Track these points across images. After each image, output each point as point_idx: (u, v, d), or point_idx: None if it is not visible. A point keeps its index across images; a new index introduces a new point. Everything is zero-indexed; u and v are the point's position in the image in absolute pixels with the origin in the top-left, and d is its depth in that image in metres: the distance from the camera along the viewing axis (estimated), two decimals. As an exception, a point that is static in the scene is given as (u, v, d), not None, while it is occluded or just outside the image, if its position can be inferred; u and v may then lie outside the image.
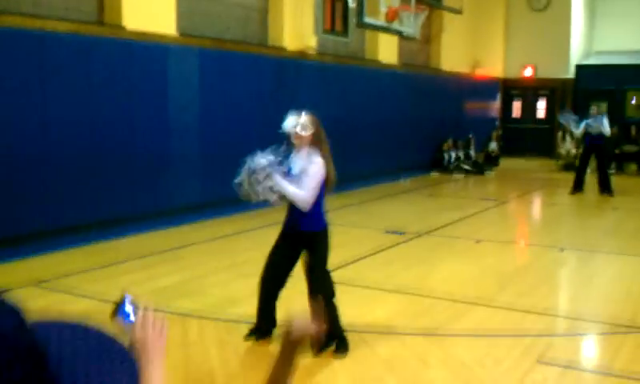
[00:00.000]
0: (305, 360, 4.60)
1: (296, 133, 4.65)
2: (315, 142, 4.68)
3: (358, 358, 4.71)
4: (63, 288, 6.23)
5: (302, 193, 4.57)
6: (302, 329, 1.65)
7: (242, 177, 4.56)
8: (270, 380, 1.60)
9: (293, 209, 4.73)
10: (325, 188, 4.73)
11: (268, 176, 4.49)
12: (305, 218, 4.68)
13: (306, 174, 4.59)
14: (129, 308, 1.54)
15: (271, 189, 4.52)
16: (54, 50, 7.95)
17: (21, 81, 7.57)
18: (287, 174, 4.64)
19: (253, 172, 4.50)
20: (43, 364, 0.86)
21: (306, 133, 4.65)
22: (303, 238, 4.74)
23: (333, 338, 4.76)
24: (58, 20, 8.15)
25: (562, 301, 6.67)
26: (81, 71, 8.26)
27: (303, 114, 4.71)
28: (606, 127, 12.85)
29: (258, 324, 4.96)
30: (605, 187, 13.08)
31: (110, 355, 1.00)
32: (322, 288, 4.70)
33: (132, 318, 1.52)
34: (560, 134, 18.64)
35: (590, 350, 5.30)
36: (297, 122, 4.67)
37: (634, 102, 19.46)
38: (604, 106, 13.60)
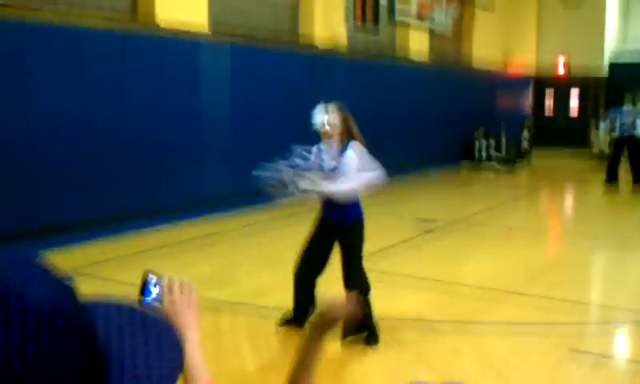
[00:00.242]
0: (336, 351, 4.61)
1: (324, 128, 4.64)
2: (346, 134, 4.66)
3: (390, 346, 4.70)
4: (98, 276, 6.34)
5: (346, 185, 4.55)
6: (333, 311, 1.64)
7: (276, 174, 4.55)
8: (297, 361, 1.58)
9: (325, 200, 4.74)
10: None
11: (305, 178, 4.50)
12: (338, 209, 4.66)
13: (344, 162, 4.56)
14: (153, 286, 1.51)
15: (305, 190, 4.52)
16: (89, 45, 8.08)
17: (57, 75, 7.71)
18: (320, 170, 4.65)
19: (292, 173, 4.51)
20: (93, 340, 0.89)
21: (333, 127, 4.62)
22: (336, 229, 4.74)
23: (364, 329, 4.77)
24: (92, 15, 8.29)
25: (595, 291, 6.58)
26: (115, 66, 8.38)
27: (330, 106, 4.66)
28: (637, 127, 12.68)
29: (293, 313, 4.99)
30: (638, 179, 12.86)
31: (156, 331, 1.01)
32: (356, 281, 4.70)
33: (157, 294, 1.50)
34: (593, 130, 18.37)
35: (624, 340, 5.21)
36: (324, 117, 4.64)
37: None
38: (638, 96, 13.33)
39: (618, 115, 13.04)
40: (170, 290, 1.48)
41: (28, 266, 0.81)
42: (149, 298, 1.51)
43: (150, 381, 0.95)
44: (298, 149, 4.60)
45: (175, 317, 1.43)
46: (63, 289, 0.83)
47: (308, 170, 4.56)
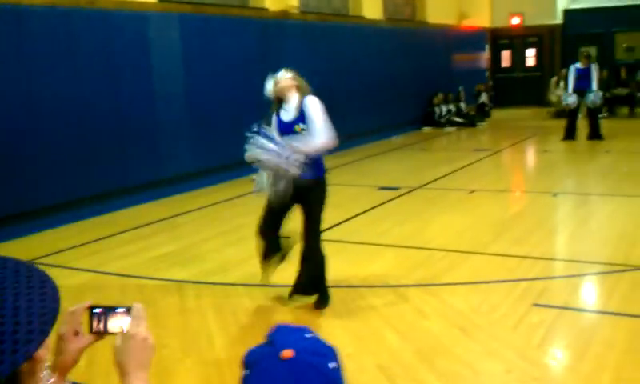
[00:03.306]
0: (301, 317, 4.62)
1: (276, 86, 4.66)
2: (301, 91, 4.69)
3: (356, 312, 4.73)
4: (60, 263, 6.21)
5: (323, 138, 4.56)
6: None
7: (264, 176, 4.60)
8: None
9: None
10: None
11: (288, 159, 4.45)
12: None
13: (310, 118, 4.57)
14: (98, 310, 1.38)
15: (295, 163, 4.46)
16: (32, 24, 7.81)
17: (0, 58, 7.45)
18: (280, 124, 4.67)
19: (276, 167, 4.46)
20: None
21: (285, 80, 4.66)
22: (298, 187, 4.71)
23: (316, 291, 4.84)
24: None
25: (557, 244, 6.69)
26: (61, 44, 8.12)
27: (279, 71, 4.74)
28: (593, 82, 12.78)
29: (262, 258, 5.00)
30: (594, 133, 13.06)
31: (29, 281, 1.01)
32: (315, 242, 4.76)
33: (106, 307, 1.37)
34: (554, 79, 18.52)
35: (586, 290, 5.32)
36: (273, 78, 4.70)
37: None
38: (593, 51, 13.44)
39: (574, 72, 13.08)
40: (135, 324, 1.32)
41: None
42: (99, 318, 1.36)
43: (17, 337, 0.94)
44: (260, 129, 4.56)
45: (132, 353, 1.29)
46: None
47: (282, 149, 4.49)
